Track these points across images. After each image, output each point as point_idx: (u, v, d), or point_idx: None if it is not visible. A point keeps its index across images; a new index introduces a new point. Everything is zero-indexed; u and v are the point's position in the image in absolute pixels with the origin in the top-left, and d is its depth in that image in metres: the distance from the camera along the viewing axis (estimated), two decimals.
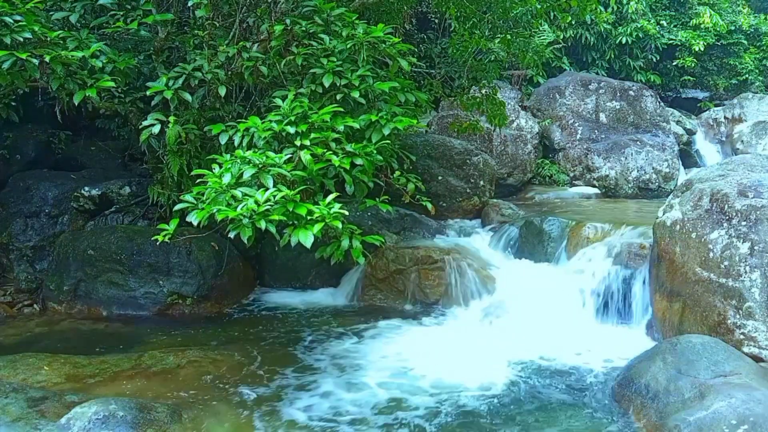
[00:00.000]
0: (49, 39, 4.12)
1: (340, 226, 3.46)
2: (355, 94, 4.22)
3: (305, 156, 3.69)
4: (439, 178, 7.15)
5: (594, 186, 9.08)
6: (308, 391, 3.85)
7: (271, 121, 3.95)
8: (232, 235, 3.36)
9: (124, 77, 4.67)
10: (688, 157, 10.34)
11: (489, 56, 6.67)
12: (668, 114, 10.16)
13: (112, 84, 4.31)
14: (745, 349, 3.84)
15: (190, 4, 4.72)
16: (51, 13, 4.75)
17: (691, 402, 3.30)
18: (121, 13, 4.74)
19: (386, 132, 4.05)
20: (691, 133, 10.71)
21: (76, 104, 4.41)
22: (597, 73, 11.25)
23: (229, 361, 4.25)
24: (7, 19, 3.94)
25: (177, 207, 3.66)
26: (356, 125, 4.05)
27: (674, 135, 9.86)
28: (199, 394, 3.75)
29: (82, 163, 7.36)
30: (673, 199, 4.59)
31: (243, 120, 4.14)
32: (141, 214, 6.18)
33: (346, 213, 3.51)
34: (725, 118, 11.18)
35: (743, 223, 3.99)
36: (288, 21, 4.50)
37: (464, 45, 6.22)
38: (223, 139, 4.15)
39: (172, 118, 4.61)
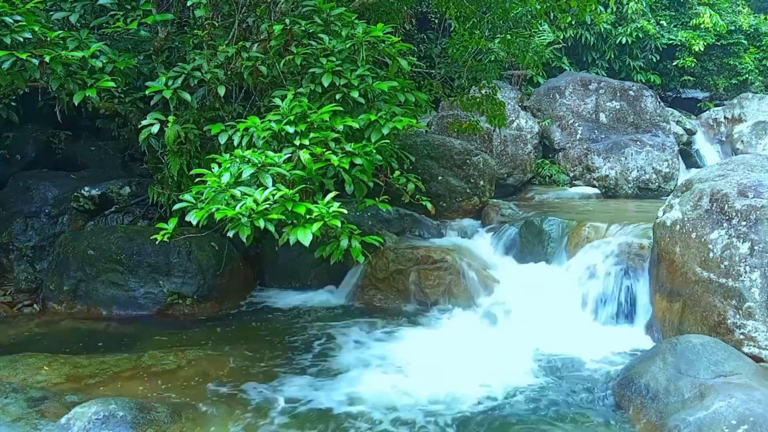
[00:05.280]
0: (49, 39, 4.12)
1: (339, 225, 3.46)
2: (355, 94, 4.22)
3: (304, 155, 3.69)
4: (439, 178, 7.15)
5: (594, 186, 9.07)
6: (309, 391, 3.84)
7: (270, 120, 3.95)
8: (231, 234, 3.36)
9: (124, 77, 4.67)
10: (688, 157, 10.34)
11: (489, 56, 6.66)
12: (668, 114, 10.16)
13: (112, 84, 4.30)
14: (745, 349, 3.84)
15: (189, 4, 4.71)
16: (51, 13, 4.75)
17: (691, 402, 3.29)
18: (121, 13, 4.74)
19: (385, 132, 4.04)
20: (691, 133, 10.71)
21: (76, 104, 4.41)
22: (597, 73, 11.24)
23: (229, 361, 4.25)
24: (7, 19, 3.94)
25: (176, 206, 3.66)
26: (356, 125, 4.04)
27: (674, 135, 9.86)
28: (199, 394, 3.75)
29: (82, 163, 7.37)
30: (673, 199, 4.59)
31: (242, 120, 4.14)
32: (141, 214, 6.18)
33: (345, 212, 3.51)
34: (725, 118, 11.18)
35: (743, 223, 3.99)
36: (287, 21, 4.50)
37: (464, 45, 6.22)
38: (223, 139, 4.16)
39: (171, 118, 4.61)
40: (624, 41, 11.56)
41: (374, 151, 3.94)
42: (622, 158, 9.11)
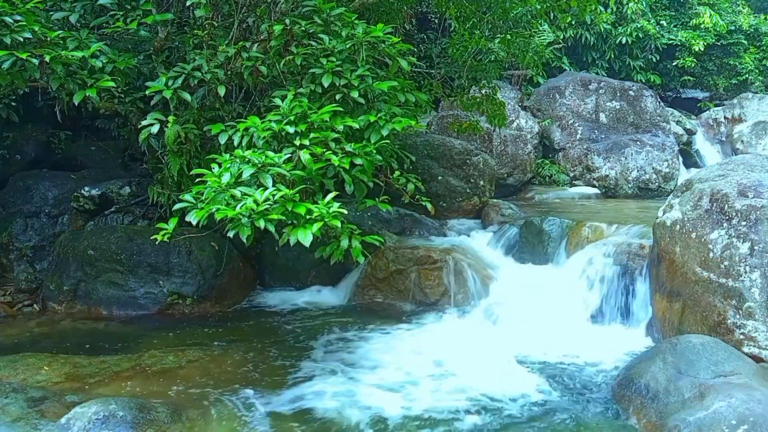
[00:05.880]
0: (49, 39, 4.12)
1: (339, 225, 3.46)
2: (354, 94, 4.22)
3: (304, 156, 3.69)
4: (439, 178, 7.15)
5: (594, 186, 9.08)
6: (308, 391, 3.84)
7: (270, 120, 3.95)
8: (231, 234, 3.36)
9: (124, 77, 4.67)
10: (688, 157, 10.34)
11: (489, 56, 6.67)
12: (668, 114, 10.16)
13: (112, 84, 4.30)
14: (745, 349, 3.84)
15: (189, 3, 4.71)
16: (51, 13, 4.75)
17: (691, 402, 3.30)
18: (121, 13, 4.74)
19: (384, 133, 4.04)
20: (691, 133, 10.71)
21: (76, 104, 4.41)
22: (597, 73, 11.25)
23: (229, 360, 4.25)
24: (7, 19, 3.94)
25: (176, 206, 3.66)
26: (356, 125, 4.05)
27: (674, 135, 9.87)
28: (199, 394, 3.75)
29: (82, 163, 7.36)
30: (673, 199, 4.59)
31: (242, 120, 4.14)
32: (141, 214, 6.18)
33: (345, 212, 3.51)
34: (725, 118, 11.18)
35: (743, 223, 3.99)
36: (287, 21, 4.50)
37: (464, 45, 6.22)
38: (223, 139, 4.15)
39: (171, 118, 4.61)
40: (624, 41, 11.56)
41: (374, 151, 3.94)
42: (622, 158, 9.12)
